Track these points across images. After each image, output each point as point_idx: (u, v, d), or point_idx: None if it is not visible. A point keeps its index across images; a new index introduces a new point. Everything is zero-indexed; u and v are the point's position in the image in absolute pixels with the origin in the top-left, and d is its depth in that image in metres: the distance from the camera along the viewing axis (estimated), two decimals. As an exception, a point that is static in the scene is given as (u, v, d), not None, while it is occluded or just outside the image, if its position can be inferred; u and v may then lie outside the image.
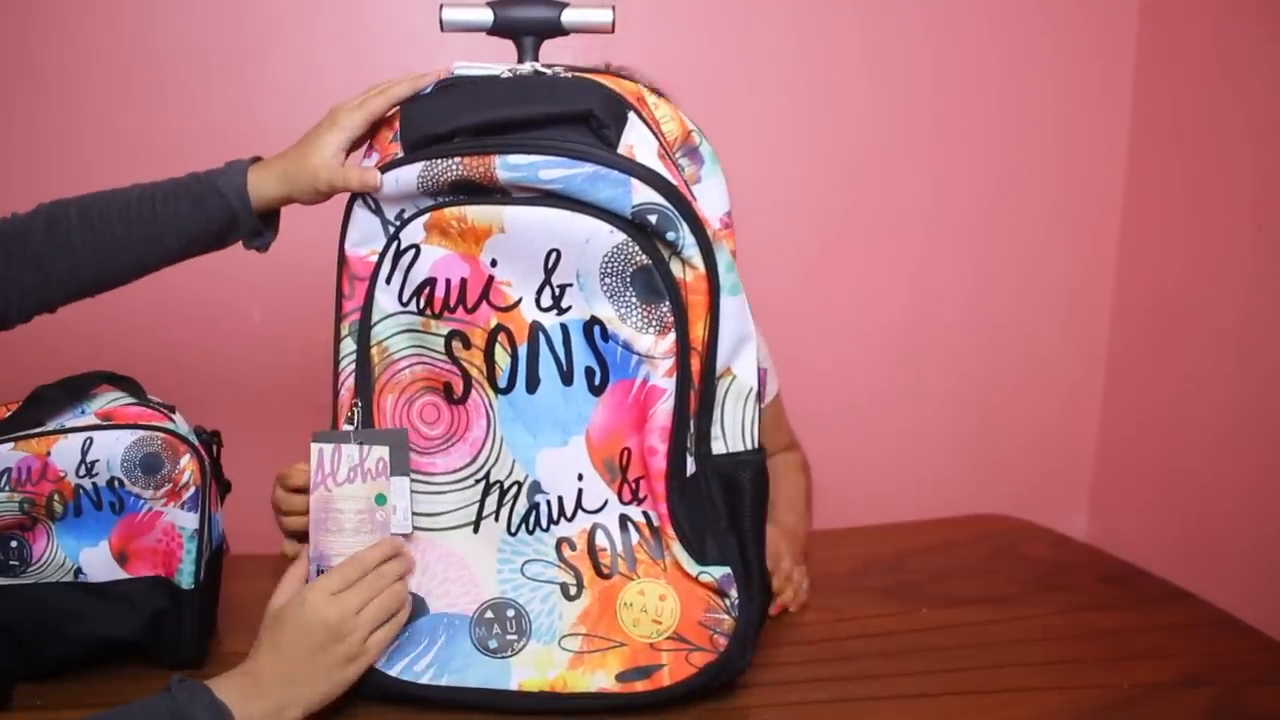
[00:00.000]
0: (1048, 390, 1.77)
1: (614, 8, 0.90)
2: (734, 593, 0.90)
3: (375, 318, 0.90)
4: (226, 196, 0.90)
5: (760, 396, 0.93)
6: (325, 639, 0.85)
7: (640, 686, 0.90)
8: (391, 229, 0.89)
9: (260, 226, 0.93)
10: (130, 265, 0.92)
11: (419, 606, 0.92)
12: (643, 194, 0.84)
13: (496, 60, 0.91)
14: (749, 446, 0.92)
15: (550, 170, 0.84)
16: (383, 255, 0.89)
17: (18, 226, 0.91)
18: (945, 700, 0.95)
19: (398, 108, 0.90)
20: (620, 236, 0.85)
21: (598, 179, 0.84)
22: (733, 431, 0.91)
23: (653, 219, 0.85)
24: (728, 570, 0.90)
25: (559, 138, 0.85)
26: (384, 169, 0.88)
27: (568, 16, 0.90)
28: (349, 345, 0.91)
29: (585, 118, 0.85)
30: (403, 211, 0.89)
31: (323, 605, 0.85)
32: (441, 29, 0.91)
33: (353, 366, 0.91)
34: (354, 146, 0.91)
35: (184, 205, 0.91)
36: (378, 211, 0.90)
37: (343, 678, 0.86)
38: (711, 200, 0.93)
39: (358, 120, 0.89)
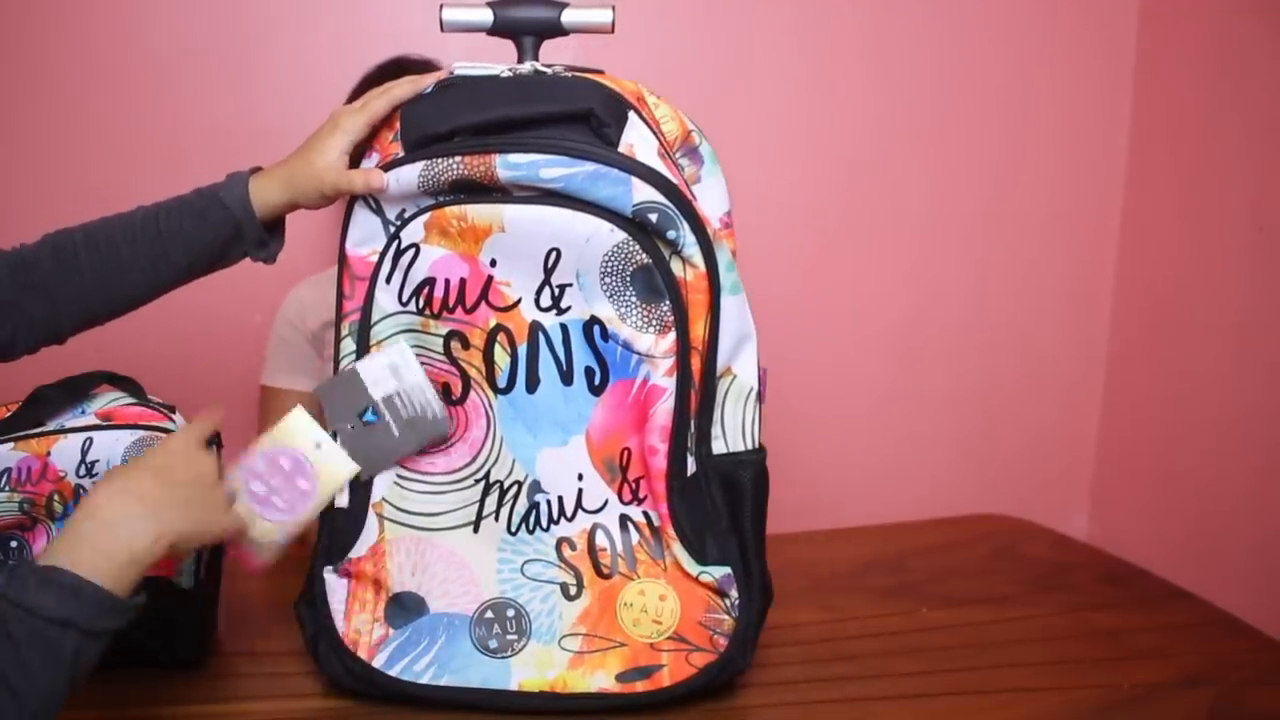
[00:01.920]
0: (1048, 390, 1.78)
1: (614, 8, 0.90)
2: (734, 593, 0.90)
3: (375, 317, 0.90)
4: (230, 208, 0.90)
5: (761, 396, 0.93)
6: (195, 480, 0.77)
7: (640, 687, 0.90)
8: (392, 228, 0.89)
9: (265, 236, 0.92)
10: (139, 286, 0.92)
11: (419, 606, 0.92)
12: (643, 192, 0.84)
13: (496, 60, 0.91)
14: (749, 446, 0.92)
15: (551, 169, 0.84)
16: (383, 255, 0.89)
17: (25, 255, 0.91)
18: (945, 700, 0.95)
19: (398, 108, 0.90)
20: (620, 235, 0.85)
21: (598, 177, 0.84)
22: (733, 431, 0.91)
23: (653, 217, 0.85)
24: (728, 570, 0.90)
25: (559, 137, 0.85)
26: (385, 169, 0.88)
27: (567, 17, 0.90)
28: (349, 345, 0.91)
29: (586, 117, 0.85)
30: (404, 211, 0.89)
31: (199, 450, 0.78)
32: (441, 29, 0.91)
33: (352, 366, 0.91)
34: (356, 149, 0.91)
35: (188, 221, 0.91)
36: (378, 211, 0.90)
37: (214, 516, 0.79)
38: (711, 200, 0.93)
39: (359, 123, 0.89)
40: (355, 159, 0.91)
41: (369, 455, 0.90)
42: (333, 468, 0.88)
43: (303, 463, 0.88)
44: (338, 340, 0.92)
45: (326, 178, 0.89)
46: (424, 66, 1.29)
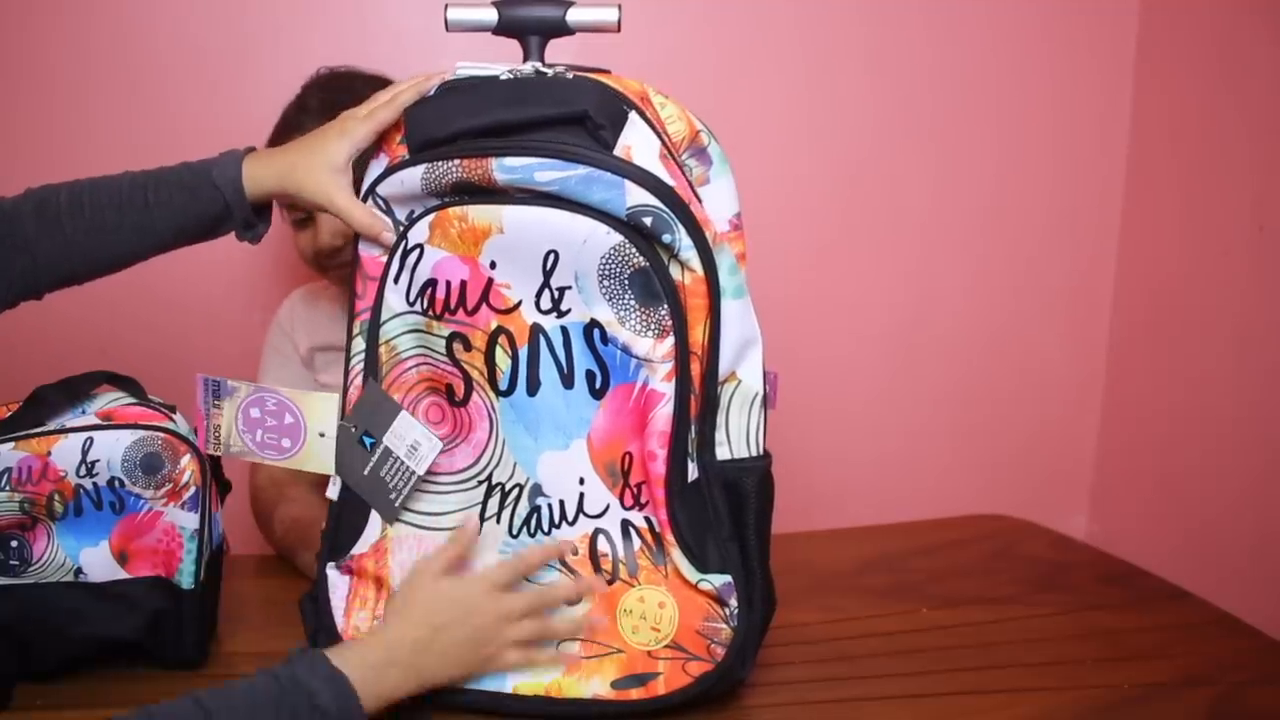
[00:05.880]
0: (1048, 390, 1.78)
1: (619, 7, 0.90)
2: (733, 602, 0.88)
3: (384, 316, 0.90)
4: (221, 189, 0.90)
5: (767, 401, 0.92)
6: (475, 633, 0.85)
7: (635, 695, 0.89)
8: (401, 229, 0.89)
9: (253, 219, 0.93)
10: (120, 252, 0.92)
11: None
12: (637, 196, 0.84)
13: (502, 59, 0.91)
14: (754, 453, 0.91)
15: (545, 172, 0.84)
16: (392, 255, 0.89)
17: (6, 209, 0.90)
18: (945, 700, 0.95)
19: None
20: (618, 238, 0.84)
21: (592, 181, 0.84)
22: (737, 437, 0.91)
23: (647, 221, 0.84)
24: (728, 579, 0.88)
25: (555, 140, 0.85)
26: (391, 170, 0.88)
27: (573, 16, 0.90)
28: (359, 344, 0.92)
29: (580, 119, 0.85)
30: (412, 211, 0.89)
31: (486, 600, 0.86)
32: (447, 29, 0.91)
33: (361, 365, 0.91)
34: (361, 156, 0.91)
35: (177, 195, 0.91)
36: (389, 212, 0.90)
37: (472, 666, 0.87)
38: (720, 201, 0.92)
39: (365, 131, 0.89)
40: (360, 166, 0.91)
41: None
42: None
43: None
44: (349, 339, 0.92)
45: (338, 197, 0.89)
46: (375, 81, 1.27)
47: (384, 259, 0.90)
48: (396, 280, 0.89)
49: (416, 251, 0.88)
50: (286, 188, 0.91)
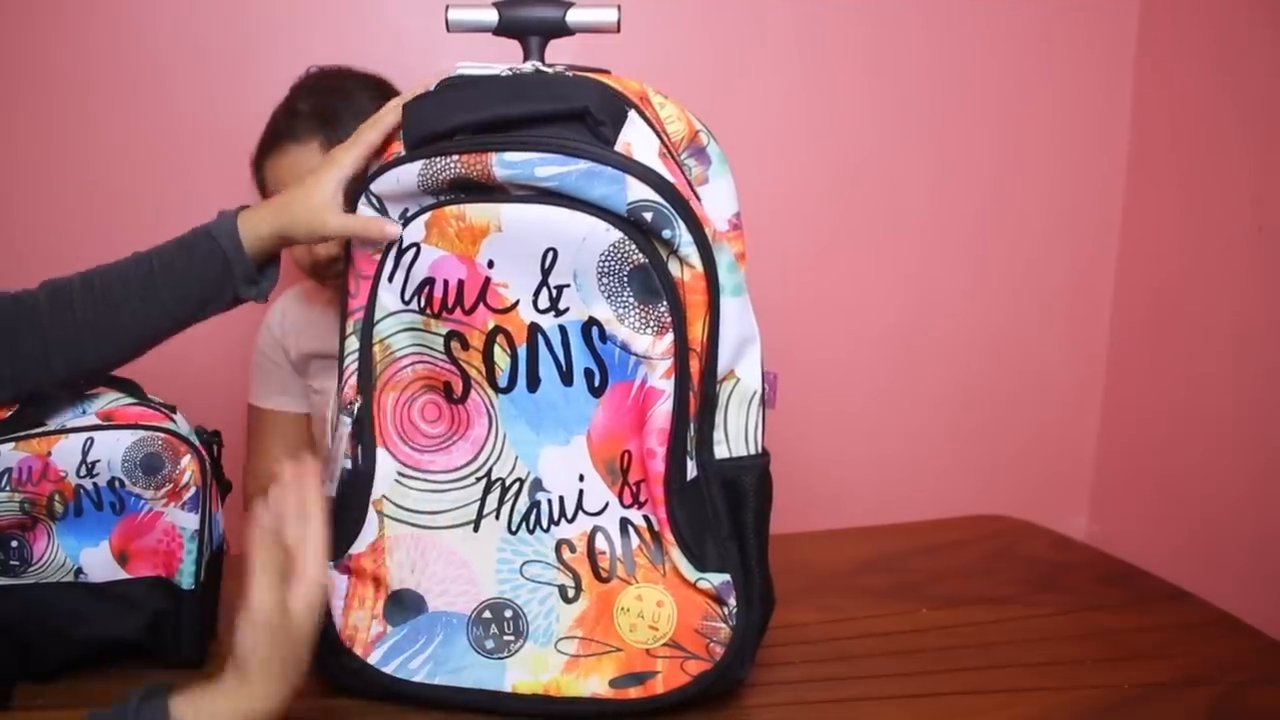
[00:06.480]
0: (1048, 390, 1.78)
1: (619, 7, 0.90)
2: (732, 601, 0.88)
3: (378, 315, 0.90)
4: (217, 240, 0.91)
5: (771, 400, 0.92)
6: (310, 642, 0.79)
7: (633, 693, 0.89)
8: (395, 227, 0.89)
9: (255, 274, 0.93)
10: (129, 328, 0.92)
11: (418, 604, 0.92)
12: (638, 191, 0.84)
13: (503, 60, 0.91)
14: (752, 451, 0.91)
15: (545, 167, 0.84)
16: (386, 253, 0.89)
17: (24, 299, 0.92)
18: (945, 700, 0.95)
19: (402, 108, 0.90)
20: (617, 234, 0.84)
21: (592, 176, 0.84)
22: (736, 436, 0.91)
23: (648, 216, 0.84)
24: (727, 578, 0.88)
25: (556, 135, 0.85)
26: (385, 167, 0.88)
27: (573, 16, 0.90)
28: (353, 343, 0.91)
29: (581, 115, 0.85)
30: (406, 210, 0.89)
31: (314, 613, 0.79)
32: (447, 29, 0.91)
33: (355, 364, 0.91)
34: (352, 182, 0.91)
35: (178, 257, 0.91)
36: (382, 211, 0.90)
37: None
38: (719, 201, 0.92)
39: (352, 158, 0.90)
40: (353, 196, 0.91)
41: None
42: None
43: None
44: (342, 339, 0.92)
45: (331, 222, 0.89)
46: (367, 80, 1.27)
47: (377, 257, 0.90)
48: (391, 279, 0.89)
49: (412, 250, 0.88)
50: (283, 228, 0.91)
